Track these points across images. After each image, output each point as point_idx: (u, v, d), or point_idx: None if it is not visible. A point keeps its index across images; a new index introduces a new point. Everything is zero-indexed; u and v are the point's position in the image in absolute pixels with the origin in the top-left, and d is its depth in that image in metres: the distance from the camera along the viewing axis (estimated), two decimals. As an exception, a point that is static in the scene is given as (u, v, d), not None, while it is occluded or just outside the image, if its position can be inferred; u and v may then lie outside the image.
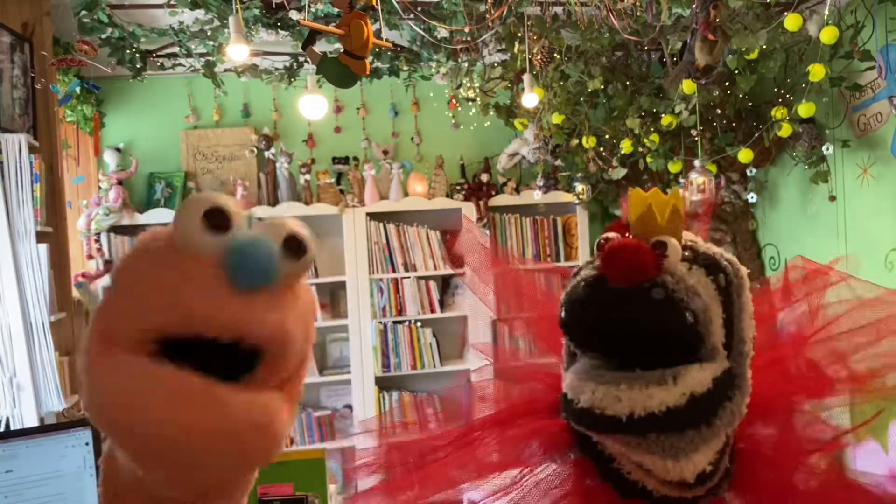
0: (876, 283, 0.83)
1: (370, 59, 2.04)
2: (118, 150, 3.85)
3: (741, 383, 0.70)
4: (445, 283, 4.14)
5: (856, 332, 0.80)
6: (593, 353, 0.72)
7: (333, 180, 3.98)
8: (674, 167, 3.52)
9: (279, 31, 3.02)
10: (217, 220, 0.42)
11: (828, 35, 2.49)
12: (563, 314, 0.70)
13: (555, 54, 3.31)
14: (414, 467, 0.85)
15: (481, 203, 3.97)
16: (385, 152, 4.10)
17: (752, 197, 3.67)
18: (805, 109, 2.82)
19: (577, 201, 3.86)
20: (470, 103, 3.79)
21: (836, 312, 0.82)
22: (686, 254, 0.69)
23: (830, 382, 0.80)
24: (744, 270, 0.73)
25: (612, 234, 0.70)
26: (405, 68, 3.52)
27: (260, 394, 0.44)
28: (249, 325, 0.42)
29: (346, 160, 4.11)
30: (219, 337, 0.42)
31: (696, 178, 3.26)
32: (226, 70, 3.51)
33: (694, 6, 2.55)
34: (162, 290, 0.41)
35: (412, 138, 4.24)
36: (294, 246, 0.44)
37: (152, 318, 0.41)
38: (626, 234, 0.70)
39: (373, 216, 3.93)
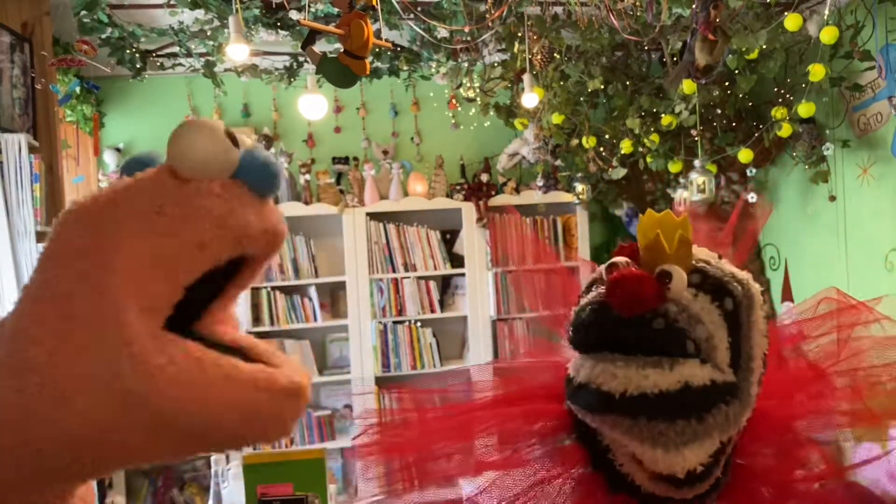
0: None
1: (370, 59, 2.04)
2: (118, 150, 3.85)
3: (743, 396, 0.70)
4: (445, 283, 4.14)
5: (879, 367, 0.80)
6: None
7: (333, 180, 3.98)
8: (674, 167, 3.52)
9: (279, 31, 3.02)
10: (234, 139, 0.44)
11: (828, 35, 2.49)
12: (570, 333, 0.73)
13: (555, 54, 3.30)
14: (412, 451, 0.85)
15: (481, 203, 3.97)
16: (385, 152, 4.10)
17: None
18: (805, 109, 2.82)
19: (577, 201, 3.86)
20: (470, 103, 3.78)
21: (861, 346, 0.82)
22: (694, 278, 0.70)
23: (834, 414, 0.80)
24: (755, 289, 0.74)
25: (619, 260, 0.72)
26: (405, 68, 3.52)
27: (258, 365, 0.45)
28: (281, 231, 0.46)
29: (346, 160, 4.11)
30: (246, 252, 0.45)
31: (696, 178, 3.26)
32: (226, 70, 3.50)
33: (694, 6, 2.55)
34: (203, 213, 0.42)
35: (412, 138, 4.24)
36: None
37: (199, 242, 0.41)
38: (635, 260, 0.72)
39: (373, 216, 3.93)
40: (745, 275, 0.75)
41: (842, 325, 0.83)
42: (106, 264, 0.40)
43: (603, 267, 0.74)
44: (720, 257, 0.77)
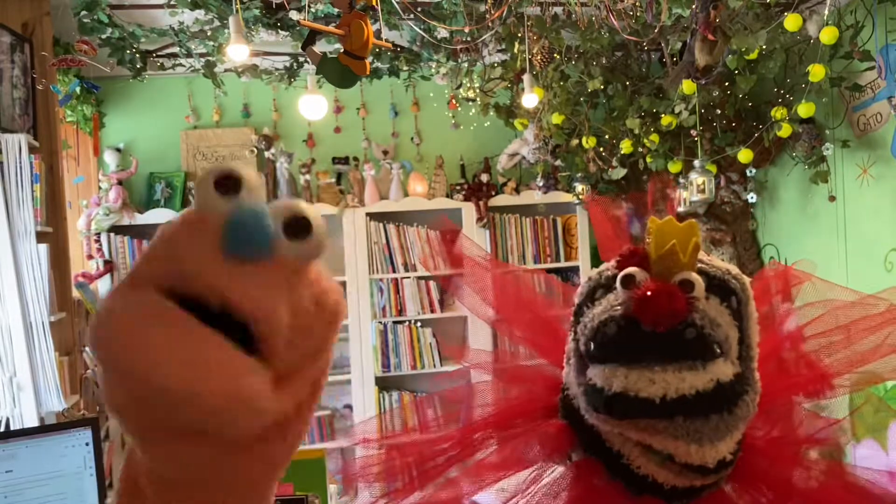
0: (836, 284, 0.86)
1: (370, 59, 2.04)
2: (118, 150, 3.85)
3: (753, 384, 0.74)
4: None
5: (829, 333, 0.83)
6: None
7: (333, 180, 3.98)
8: (674, 167, 3.52)
9: (279, 31, 3.02)
10: (227, 185, 0.42)
11: (828, 35, 2.49)
12: (592, 349, 0.72)
13: (555, 54, 3.31)
14: (415, 474, 0.86)
15: (481, 203, 3.97)
16: (385, 152, 4.10)
17: (752, 197, 3.67)
18: (805, 109, 2.82)
19: (577, 201, 3.86)
20: (470, 103, 3.79)
21: (809, 315, 0.85)
22: (702, 281, 0.72)
23: (827, 378, 0.81)
24: (747, 281, 0.77)
25: (634, 272, 0.72)
26: (405, 68, 3.52)
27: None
28: (231, 293, 0.41)
29: (346, 160, 4.11)
30: (208, 300, 0.41)
31: (696, 178, 3.26)
32: (226, 70, 3.51)
33: (694, 6, 2.55)
34: (167, 243, 0.43)
35: (412, 138, 4.24)
36: (298, 226, 0.43)
37: (157, 267, 0.42)
38: (645, 267, 0.72)
39: (373, 216, 3.93)
40: (734, 268, 0.77)
41: (779, 290, 0.87)
42: None
43: (617, 277, 0.73)
44: (706, 253, 0.79)
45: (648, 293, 0.68)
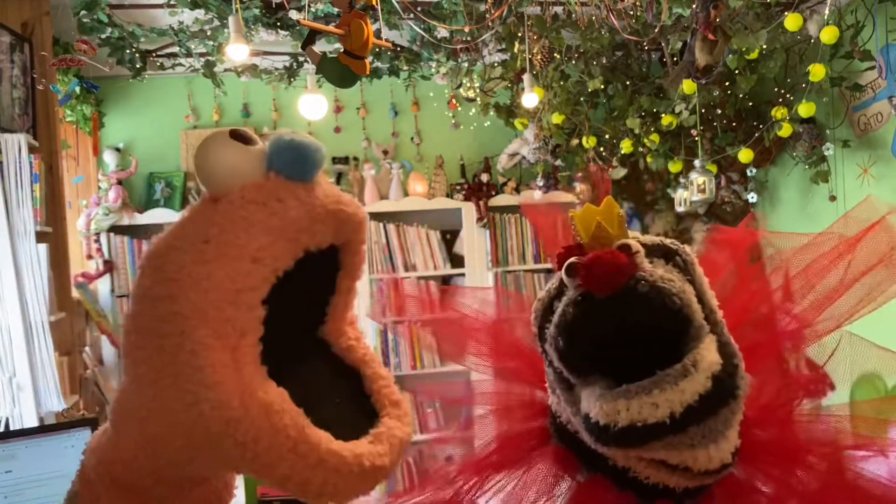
0: (786, 232, 0.87)
1: (370, 58, 2.04)
2: (118, 149, 3.85)
3: (733, 350, 0.72)
4: (445, 283, 4.13)
5: (790, 282, 0.83)
6: (595, 376, 0.72)
7: (333, 180, 3.98)
8: (674, 167, 3.52)
9: (279, 30, 3.02)
10: (241, 137, 0.42)
11: (828, 35, 2.49)
12: (560, 344, 0.71)
13: (555, 54, 3.31)
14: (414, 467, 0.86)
15: (481, 203, 3.97)
16: (385, 152, 4.10)
17: (752, 197, 3.67)
18: (805, 109, 2.82)
19: (577, 201, 3.86)
20: (470, 103, 3.78)
21: (767, 269, 0.85)
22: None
23: (826, 378, 0.81)
24: (686, 247, 0.77)
25: (573, 259, 0.72)
26: (405, 68, 3.51)
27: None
28: (333, 209, 0.44)
29: (346, 160, 4.11)
30: (322, 238, 0.43)
31: (696, 178, 3.26)
32: (226, 70, 3.50)
33: (694, 6, 2.55)
34: (245, 226, 0.41)
35: (412, 138, 4.24)
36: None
37: (253, 258, 0.41)
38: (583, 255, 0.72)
39: (373, 216, 3.93)
40: (668, 239, 0.77)
41: (736, 252, 0.87)
42: (178, 308, 0.41)
43: (561, 274, 0.73)
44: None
45: (589, 261, 0.68)
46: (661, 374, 0.67)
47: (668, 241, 0.76)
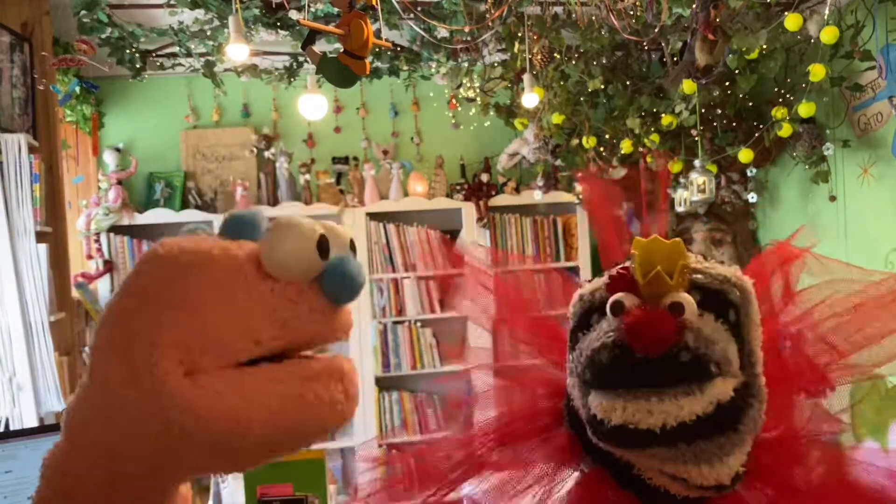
0: (831, 259, 0.84)
1: (370, 58, 2.04)
2: (118, 149, 3.85)
3: (757, 392, 0.72)
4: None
5: (837, 316, 0.81)
6: None
7: (333, 180, 3.98)
8: (674, 167, 3.52)
9: (279, 30, 3.02)
10: (324, 249, 0.44)
11: (828, 35, 2.49)
12: (587, 375, 0.71)
13: (555, 54, 3.31)
14: (414, 467, 0.86)
15: (481, 203, 3.97)
16: (385, 152, 4.10)
17: (752, 197, 3.67)
18: (805, 109, 2.82)
19: (577, 201, 3.86)
20: (470, 103, 3.78)
21: (813, 299, 0.82)
22: (694, 296, 0.70)
23: (825, 376, 0.81)
24: (748, 284, 0.74)
25: (621, 297, 0.71)
26: (405, 68, 3.51)
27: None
28: (345, 332, 0.48)
29: (345, 160, 4.11)
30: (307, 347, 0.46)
31: (696, 178, 3.26)
32: (225, 70, 3.50)
33: (694, 6, 2.55)
34: (269, 313, 0.43)
35: (412, 138, 4.24)
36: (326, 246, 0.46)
37: (255, 339, 0.42)
38: (634, 288, 0.71)
39: (373, 216, 3.93)
40: (735, 271, 0.75)
41: (783, 264, 0.84)
42: (164, 319, 0.41)
43: (608, 304, 0.72)
44: (704, 258, 0.77)
45: (636, 320, 0.67)
46: (670, 389, 0.68)
47: (730, 285, 0.72)
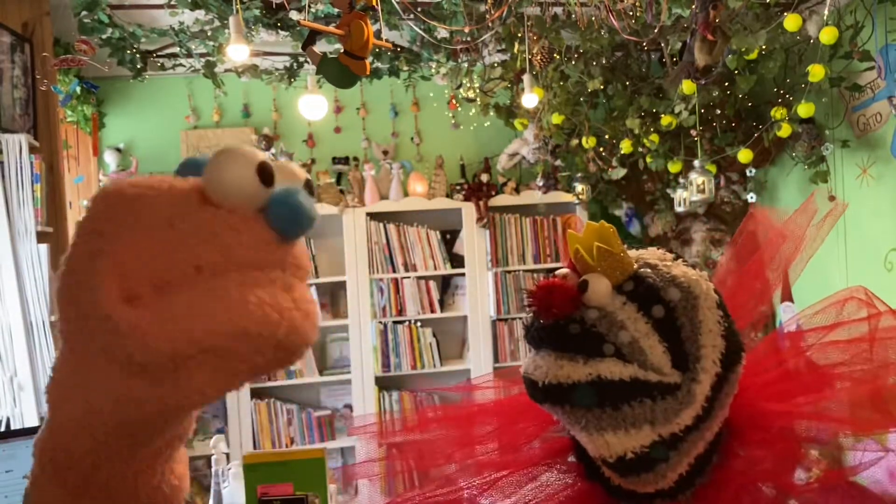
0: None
1: (370, 59, 2.04)
2: (118, 150, 3.85)
3: (682, 395, 0.72)
4: (445, 283, 4.14)
5: (852, 342, 0.81)
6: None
7: (333, 180, 3.99)
8: (674, 167, 3.52)
9: (279, 31, 3.02)
10: (266, 174, 0.43)
11: (827, 35, 2.49)
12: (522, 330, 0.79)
13: (555, 54, 3.31)
14: (414, 466, 0.87)
15: (481, 203, 3.97)
16: (385, 152, 4.10)
17: (751, 197, 3.67)
18: (805, 109, 2.82)
19: (577, 201, 3.87)
20: (470, 103, 3.79)
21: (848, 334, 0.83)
22: (627, 286, 0.73)
23: (829, 382, 0.81)
24: (702, 289, 0.74)
25: (560, 271, 0.77)
26: (405, 68, 3.52)
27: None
28: (296, 268, 0.45)
29: (346, 160, 4.11)
30: None
31: (696, 178, 3.26)
32: (226, 70, 3.51)
33: (694, 6, 2.55)
34: (209, 238, 0.42)
35: (412, 138, 4.25)
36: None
37: (196, 265, 0.41)
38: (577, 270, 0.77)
39: (373, 216, 3.93)
40: (691, 277, 0.75)
41: (875, 333, 0.82)
42: (103, 250, 0.41)
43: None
44: (677, 258, 0.78)
45: (535, 289, 0.73)
46: (560, 353, 0.72)
47: (672, 286, 0.74)
